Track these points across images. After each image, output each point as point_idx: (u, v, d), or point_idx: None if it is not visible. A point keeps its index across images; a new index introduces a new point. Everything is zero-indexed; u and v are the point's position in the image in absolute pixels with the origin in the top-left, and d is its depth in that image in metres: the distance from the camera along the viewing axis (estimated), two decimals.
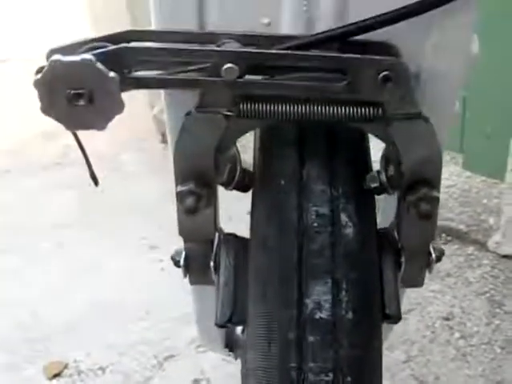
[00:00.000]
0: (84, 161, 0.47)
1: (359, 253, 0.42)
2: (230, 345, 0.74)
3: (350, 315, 0.39)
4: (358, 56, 0.38)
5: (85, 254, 1.46)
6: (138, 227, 1.51)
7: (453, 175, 1.55)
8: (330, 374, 0.38)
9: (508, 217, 1.38)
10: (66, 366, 1.21)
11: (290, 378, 0.39)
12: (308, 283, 0.40)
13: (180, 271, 0.48)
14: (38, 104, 0.39)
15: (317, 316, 0.39)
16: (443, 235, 1.46)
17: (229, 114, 0.39)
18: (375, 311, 0.42)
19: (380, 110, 0.39)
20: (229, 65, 0.37)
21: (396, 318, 0.43)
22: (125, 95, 0.38)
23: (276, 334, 0.40)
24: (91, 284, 1.37)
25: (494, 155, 1.47)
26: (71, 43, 0.39)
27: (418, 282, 0.48)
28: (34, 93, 0.38)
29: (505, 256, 1.39)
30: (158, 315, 1.29)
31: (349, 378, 0.39)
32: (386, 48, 0.39)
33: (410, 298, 1.31)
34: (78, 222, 1.57)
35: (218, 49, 0.38)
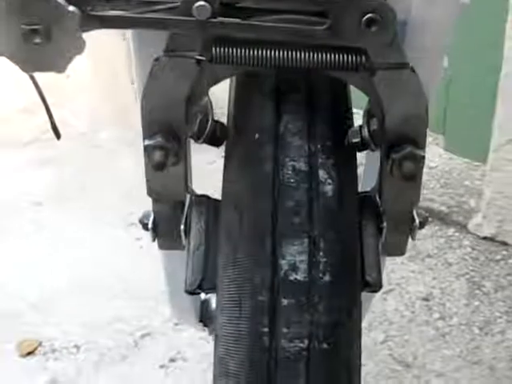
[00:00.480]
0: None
1: (338, 211, 0.39)
2: (205, 319, 0.72)
3: (327, 277, 0.37)
4: None
5: (63, 230, 1.43)
6: (118, 204, 1.48)
7: (435, 156, 1.54)
8: (305, 341, 0.36)
9: (489, 199, 1.38)
10: (39, 344, 1.19)
11: (261, 344, 0.36)
12: (283, 243, 0.37)
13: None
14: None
15: (291, 277, 0.37)
16: None
17: (201, 58, 0.36)
18: (355, 275, 0.40)
19: (364, 58, 0.37)
20: (200, 2, 0.34)
21: (376, 286, 0.41)
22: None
23: (247, 297, 0.37)
24: (67, 261, 1.34)
25: (477, 137, 1.46)
26: None
27: (400, 250, 0.46)
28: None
29: (485, 238, 1.39)
30: (135, 293, 1.27)
31: (325, 345, 0.36)
32: None
33: (389, 278, 1.30)
34: (57, 198, 1.54)
35: None
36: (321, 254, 0.38)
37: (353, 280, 0.40)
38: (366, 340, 1.17)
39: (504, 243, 1.38)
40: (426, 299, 1.27)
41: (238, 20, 0.35)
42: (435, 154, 1.56)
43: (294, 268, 0.37)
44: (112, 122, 1.79)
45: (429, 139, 1.65)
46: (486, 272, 1.33)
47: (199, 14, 0.34)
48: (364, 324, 1.20)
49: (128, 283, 1.29)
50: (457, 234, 1.42)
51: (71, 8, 0.34)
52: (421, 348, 1.17)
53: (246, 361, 0.37)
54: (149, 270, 1.25)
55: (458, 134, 1.53)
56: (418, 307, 1.25)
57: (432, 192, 1.47)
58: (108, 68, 1.69)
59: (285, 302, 0.37)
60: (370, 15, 0.35)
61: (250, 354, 0.37)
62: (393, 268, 1.31)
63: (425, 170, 1.37)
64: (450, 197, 1.47)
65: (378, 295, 1.25)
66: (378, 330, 1.20)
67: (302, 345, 0.36)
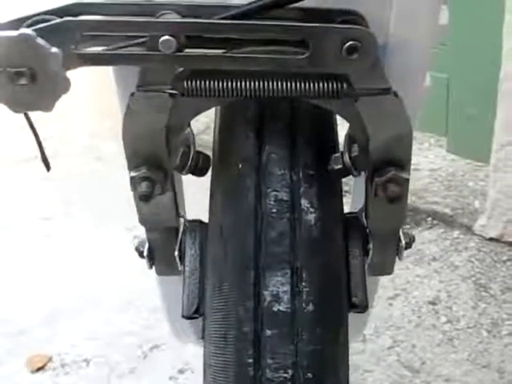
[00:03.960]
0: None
1: (321, 240, 0.39)
2: None
3: (310, 307, 0.37)
4: (319, 25, 0.35)
5: (68, 245, 1.44)
6: (122, 218, 1.49)
7: (437, 158, 1.54)
8: (289, 371, 0.36)
9: (493, 199, 1.37)
10: (50, 359, 1.20)
11: (246, 374, 0.37)
12: (266, 274, 0.38)
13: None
14: None
15: (275, 308, 0.37)
16: (429, 219, 1.45)
17: (172, 92, 0.36)
18: (339, 302, 0.40)
19: (345, 85, 0.37)
20: (165, 37, 0.34)
21: (363, 308, 0.41)
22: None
23: (232, 328, 0.38)
24: (74, 275, 1.35)
25: (479, 137, 1.46)
26: (16, 18, 0.36)
27: (386, 270, 0.46)
28: None
29: (490, 239, 1.39)
30: (142, 306, 1.28)
31: (309, 375, 0.36)
32: (350, 16, 0.36)
33: (395, 283, 1.30)
34: (61, 213, 1.55)
35: (153, 20, 0.35)
36: (303, 283, 0.38)
37: (337, 307, 0.40)
38: (373, 346, 1.17)
39: (510, 244, 1.37)
40: (432, 303, 1.26)
41: (204, 52, 0.35)
42: (438, 156, 1.56)
43: (277, 299, 0.37)
44: (113, 135, 1.80)
45: (431, 141, 1.65)
46: (492, 274, 1.32)
47: (165, 48, 0.34)
48: (370, 330, 1.20)
49: (135, 296, 1.29)
50: (462, 236, 1.41)
51: (54, 49, 0.34)
52: (429, 353, 1.16)
53: None
54: (154, 283, 1.26)
55: (461, 136, 1.52)
56: (424, 311, 1.25)
57: (436, 194, 1.46)
58: (107, 81, 1.70)
59: (269, 332, 0.37)
60: (350, 43, 0.35)
61: None
62: (398, 273, 1.31)
63: (428, 172, 1.36)
64: (454, 199, 1.46)
65: (384, 301, 1.25)
66: (384, 336, 1.20)
67: (286, 375, 0.36)
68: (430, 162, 1.52)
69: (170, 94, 0.37)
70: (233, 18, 0.35)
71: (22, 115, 0.43)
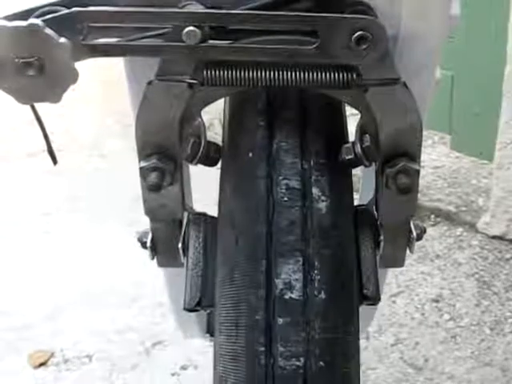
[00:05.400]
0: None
1: (333, 228, 0.39)
2: (212, 330, 0.72)
3: (322, 295, 0.37)
4: (329, 15, 0.35)
5: (71, 240, 1.44)
6: (125, 214, 1.49)
7: (441, 156, 1.54)
8: (302, 359, 0.36)
9: (497, 197, 1.37)
10: (52, 355, 1.19)
11: (258, 363, 0.36)
12: (277, 262, 0.38)
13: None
14: None
15: (286, 296, 0.37)
16: (432, 216, 1.45)
17: (192, 81, 0.36)
18: (351, 291, 0.40)
19: (355, 75, 0.37)
20: (190, 28, 0.34)
21: (374, 300, 0.41)
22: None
23: (243, 317, 0.38)
24: (77, 271, 1.35)
25: (483, 135, 1.45)
26: (25, 9, 0.36)
27: (398, 262, 0.46)
28: None
29: (494, 237, 1.38)
30: (145, 302, 1.27)
31: (321, 363, 0.36)
32: (359, 7, 0.36)
33: (398, 280, 1.30)
34: (65, 208, 1.55)
35: (179, 10, 0.35)
36: (315, 271, 0.38)
37: (349, 296, 0.40)
38: (376, 343, 1.17)
39: None
40: (435, 300, 1.26)
41: (228, 43, 0.36)
42: (442, 154, 1.56)
43: (289, 287, 0.37)
44: (118, 131, 1.80)
45: (435, 138, 1.65)
46: (495, 271, 1.32)
47: (189, 39, 0.34)
48: (374, 327, 1.20)
49: (138, 292, 1.29)
50: (465, 233, 1.41)
51: (62, 40, 0.34)
52: (432, 350, 1.16)
53: (244, 380, 0.37)
54: (157, 279, 1.25)
55: (465, 133, 1.52)
56: (427, 309, 1.25)
57: (439, 192, 1.46)
58: (112, 78, 1.70)
59: (280, 320, 0.37)
60: (359, 33, 0.35)
61: (247, 372, 0.37)
62: (401, 270, 1.31)
63: (432, 169, 1.36)
64: (457, 196, 1.46)
65: (387, 298, 1.25)
66: (388, 333, 1.19)
67: (298, 363, 0.36)
68: (433, 160, 1.52)
69: (189, 84, 0.37)
70: (261, 8, 0.36)
71: (30, 111, 0.43)
